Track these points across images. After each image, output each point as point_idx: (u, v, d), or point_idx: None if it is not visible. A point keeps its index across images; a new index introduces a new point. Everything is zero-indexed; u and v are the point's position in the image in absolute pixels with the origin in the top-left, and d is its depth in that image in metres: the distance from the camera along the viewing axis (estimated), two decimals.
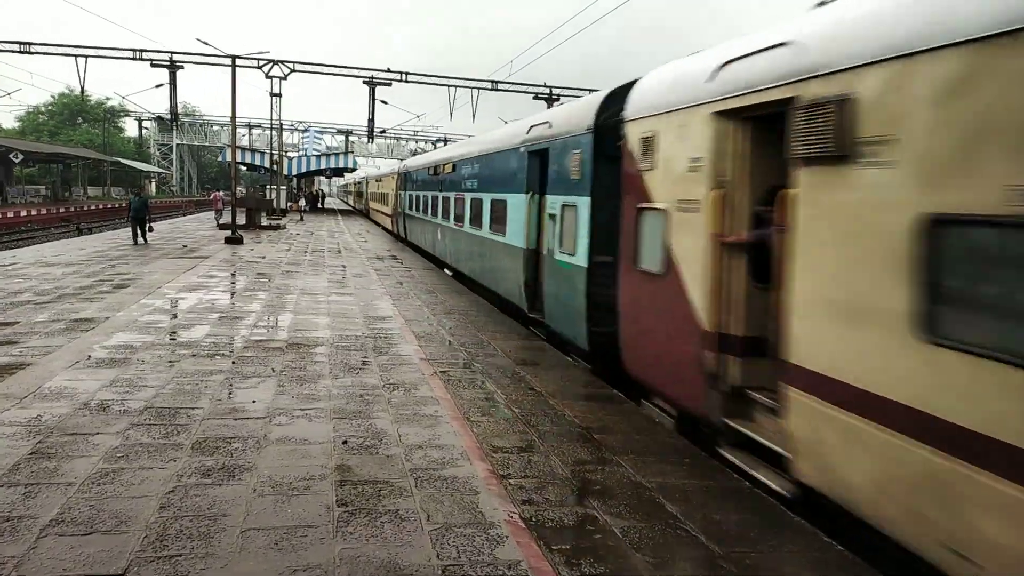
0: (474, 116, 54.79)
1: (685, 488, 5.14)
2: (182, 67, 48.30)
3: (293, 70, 47.28)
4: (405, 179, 28.71)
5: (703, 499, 4.97)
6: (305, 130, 69.62)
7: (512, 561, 3.99)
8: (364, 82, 51.39)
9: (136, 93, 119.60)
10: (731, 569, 4.03)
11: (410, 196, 26.40)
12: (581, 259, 8.84)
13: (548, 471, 5.35)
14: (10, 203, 48.46)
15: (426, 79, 52.98)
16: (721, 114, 5.88)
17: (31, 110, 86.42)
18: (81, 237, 28.81)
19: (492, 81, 52.06)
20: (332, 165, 57.57)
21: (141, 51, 47.42)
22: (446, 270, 19.28)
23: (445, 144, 58.05)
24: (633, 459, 5.66)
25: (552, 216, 9.91)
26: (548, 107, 43.05)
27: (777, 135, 5.32)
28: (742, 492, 5.17)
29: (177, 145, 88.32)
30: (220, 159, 69.99)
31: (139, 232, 23.19)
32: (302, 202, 50.48)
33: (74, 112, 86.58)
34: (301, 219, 42.25)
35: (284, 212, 43.50)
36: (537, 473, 5.31)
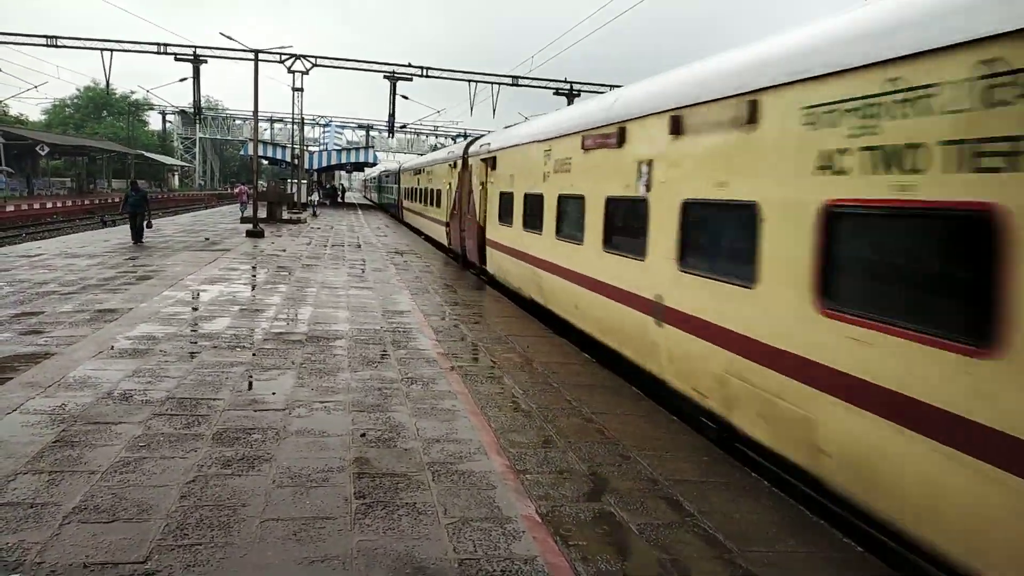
0: (494, 111, 54.81)
1: (703, 484, 5.12)
2: (205, 61, 48.72)
3: (315, 64, 47.56)
4: (400, 175, 40.00)
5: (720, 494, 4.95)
6: (326, 124, 69.84)
7: (528, 556, 4.00)
8: (385, 76, 51.56)
9: (160, 87, 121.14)
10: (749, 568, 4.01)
11: (404, 188, 37.77)
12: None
13: (565, 466, 5.36)
14: (36, 195, 49.21)
15: (447, 74, 53.04)
16: (483, 159, 15.59)
17: (57, 103, 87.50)
18: (105, 229, 29.18)
19: (513, 76, 52.01)
20: (352, 159, 57.75)
21: (165, 45, 47.91)
22: (415, 234, 29.72)
23: (464, 139, 58.76)
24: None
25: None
26: (568, 103, 45.22)
27: (494, 167, 15.08)
28: (760, 488, 5.14)
29: (200, 139, 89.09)
30: (242, 153, 70.43)
31: (137, 229, 20.19)
32: (315, 196, 46.02)
33: (99, 105, 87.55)
34: (314, 214, 40.62)
35: (304, 206, 43.42)
36: (554, 468, 5.31)
